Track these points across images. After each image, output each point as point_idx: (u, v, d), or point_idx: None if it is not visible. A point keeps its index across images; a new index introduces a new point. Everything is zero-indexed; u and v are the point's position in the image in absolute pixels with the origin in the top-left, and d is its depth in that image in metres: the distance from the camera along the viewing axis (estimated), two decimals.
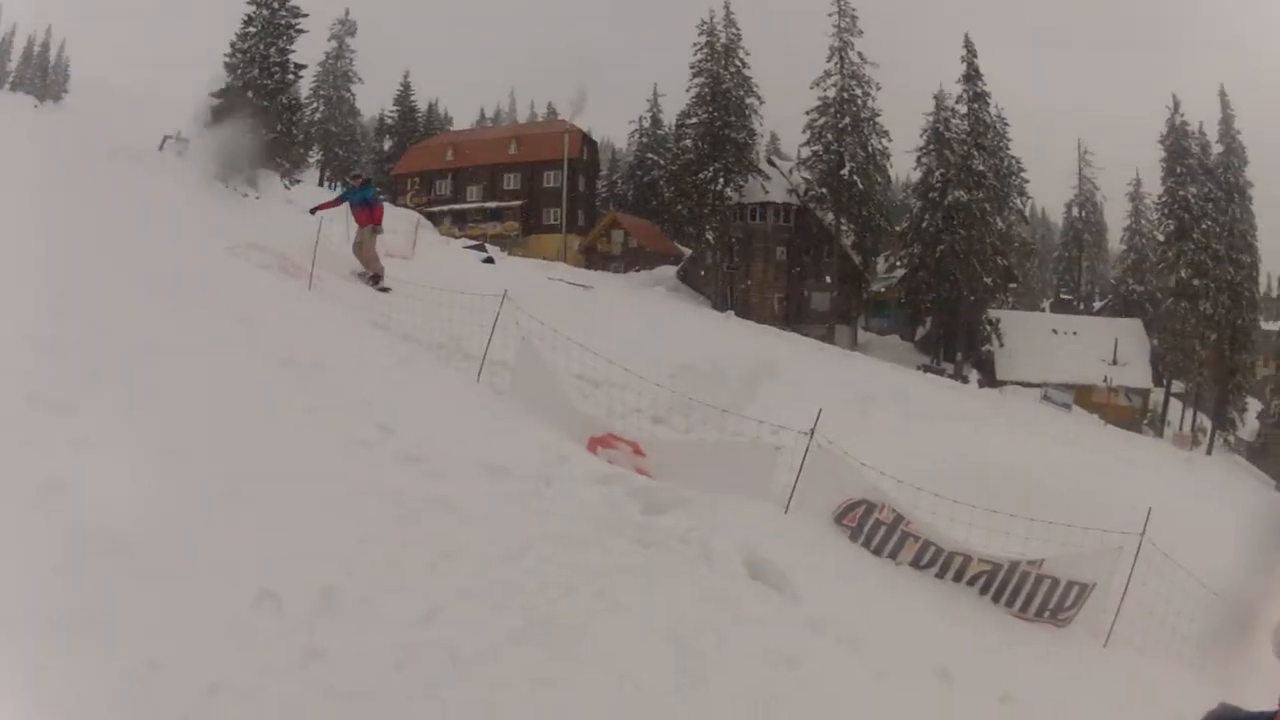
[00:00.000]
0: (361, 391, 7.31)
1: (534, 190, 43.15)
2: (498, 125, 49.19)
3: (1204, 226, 37.79)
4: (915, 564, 7.60)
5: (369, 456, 5.96)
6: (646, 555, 5.72)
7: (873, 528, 7.71)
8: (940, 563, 7.55)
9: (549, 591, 4.85)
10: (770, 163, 40.67)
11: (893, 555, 7.65)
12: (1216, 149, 39.51)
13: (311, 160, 43.11)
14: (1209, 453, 38.62)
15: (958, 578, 7.51)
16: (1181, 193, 38.25)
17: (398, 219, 28.75)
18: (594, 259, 41.46)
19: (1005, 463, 10.81)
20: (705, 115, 39.57)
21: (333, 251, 12.98)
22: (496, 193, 43.55)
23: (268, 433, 5.69)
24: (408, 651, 3.93)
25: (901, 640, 5.94)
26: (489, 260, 25.47)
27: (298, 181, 35.46)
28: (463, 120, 49.03)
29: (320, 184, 42.12)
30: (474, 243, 33.64)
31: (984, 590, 7.47)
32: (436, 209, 42.38)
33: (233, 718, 3.26)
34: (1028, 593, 7.44)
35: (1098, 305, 50.12)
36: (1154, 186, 41.16)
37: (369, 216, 14.28)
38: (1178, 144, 38.99)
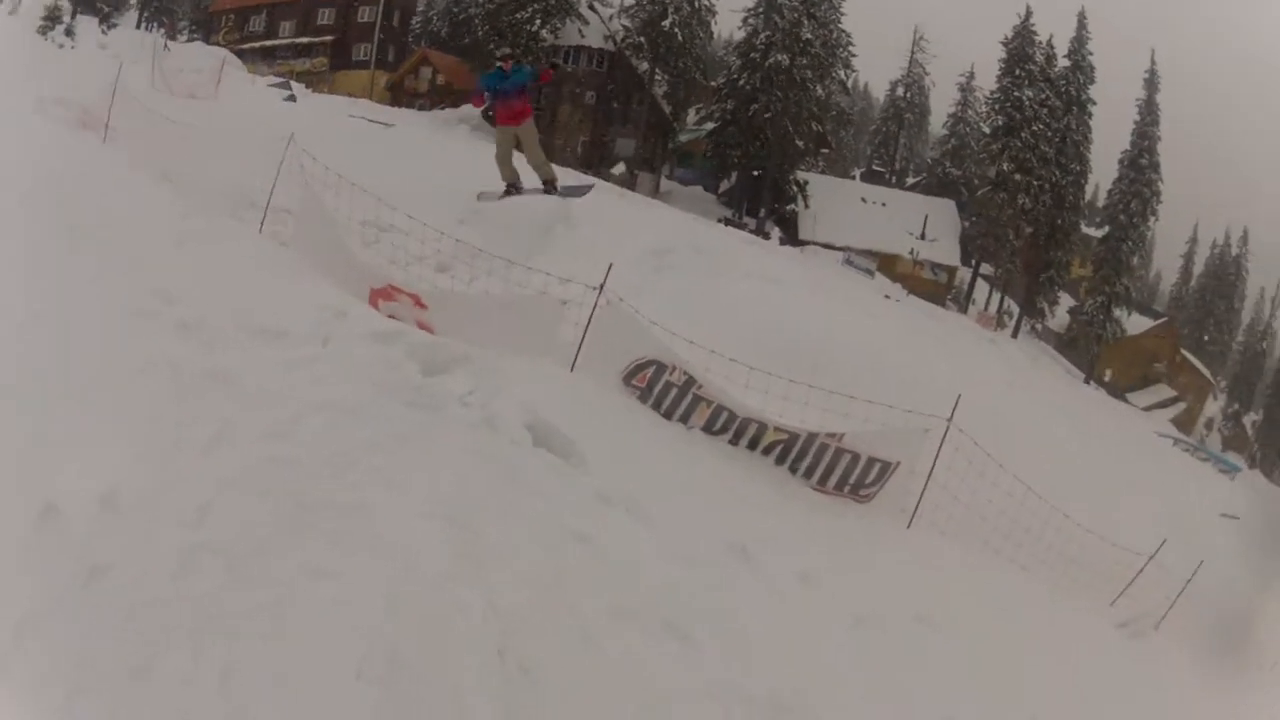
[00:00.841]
0: (141, 253, 6.69)
1: (347, 25, 41.22)
2: None
3: (1035, 128, 39.93)
4: (708, 429, 7.45)
5: (147, 329, 5.48)
6: (426, 421, 5.34)
7: (663, 390, 7.50)
8: (734, 429, 7.42)
9: (321, 471, 4.44)
10: (591, 8, 40.16)
11: (684, 419, 7.47)
12: (1063, 63, 41.39)
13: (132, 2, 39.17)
14: (1014, 336, 41.55)
15: (752, 446, 7.40)
16: (1017, 93, 40.33)
17: (202, 57, 26.58)
18: (400, 96, 40.29)
19: (806, 330, 10.84)
20: None
21: (132, 98, 11.78)
22: (310, 28, 41.37)
23: (41, 310, 5.09)
24: (183, 558, 3.62)
25: (696, 514, 5.84)
26: (291, 99, 23.83)
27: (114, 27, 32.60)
28: None
29: (139, 26, 38.97)
30: (279, 80, 31.37)
31: (780, 460, 7.38)
32: (248, 46, 40.14)
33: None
34: (827, 465, 7.37)
35: (910, 181, 52.10)
36: (989, 84, 43.09)
37: (520, 111, 12.25)
38: (1021, 49, 40.74)
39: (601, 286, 7.47)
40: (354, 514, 4.17)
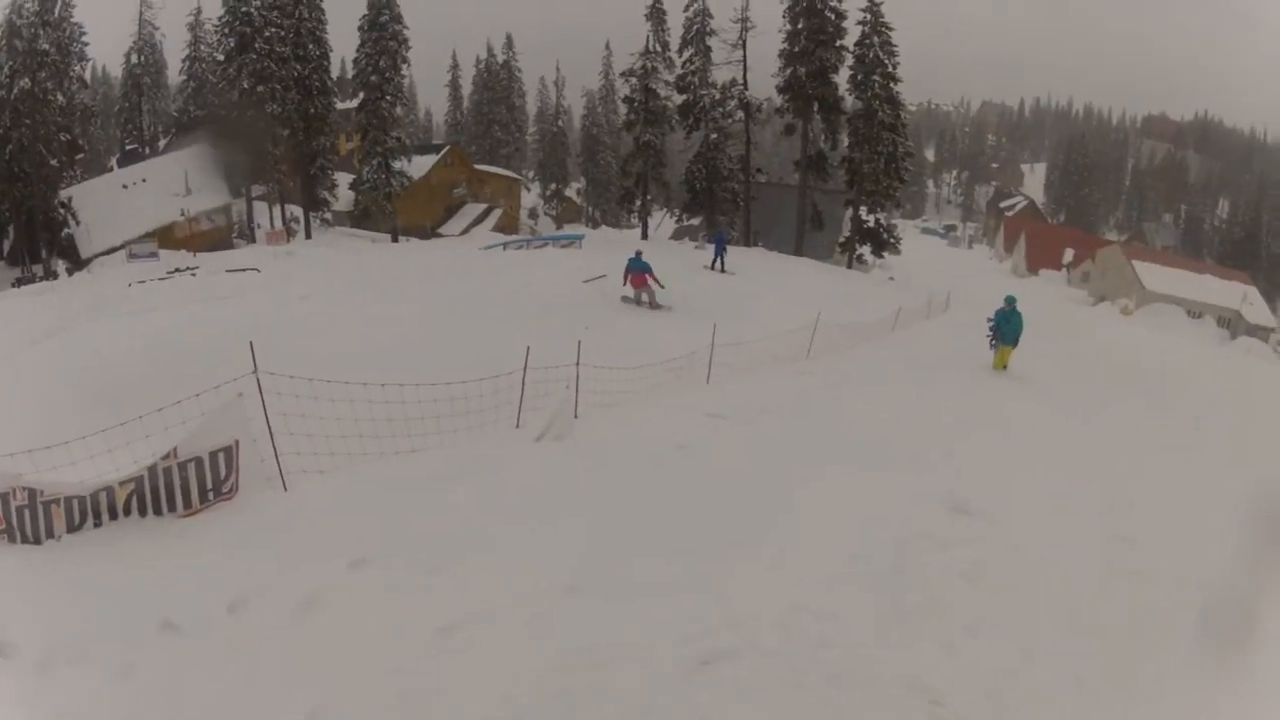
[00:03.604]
0: None
1: None
2: None
3: (267, 34, 39.16)
4: (72, 529, 6.99)
5: None
6: None
7: (19, 517, 6.88)
8: (90, 511, 7.03)
9: None
10: None
11: (50, 534, 6.95)
12: None
13: None
14: (308, 236, 41.96)
15: (113, 514, 7.09)
16: (244, 9, 39.13)
17: None
18: None
19: (102, 366, 10.44)
20: None
21: None
22: None
23: None
24: None
25: (113, 621, 5.65)
26: None
27: None
28: None
29: None
30: None
31: (142, 511, 7.16)
32: None
33: None
34: (182, 486, 7.29)
35: (163, 144, 49.44)
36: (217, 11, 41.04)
37: None
38: None
39: None
40: None
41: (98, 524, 7.07)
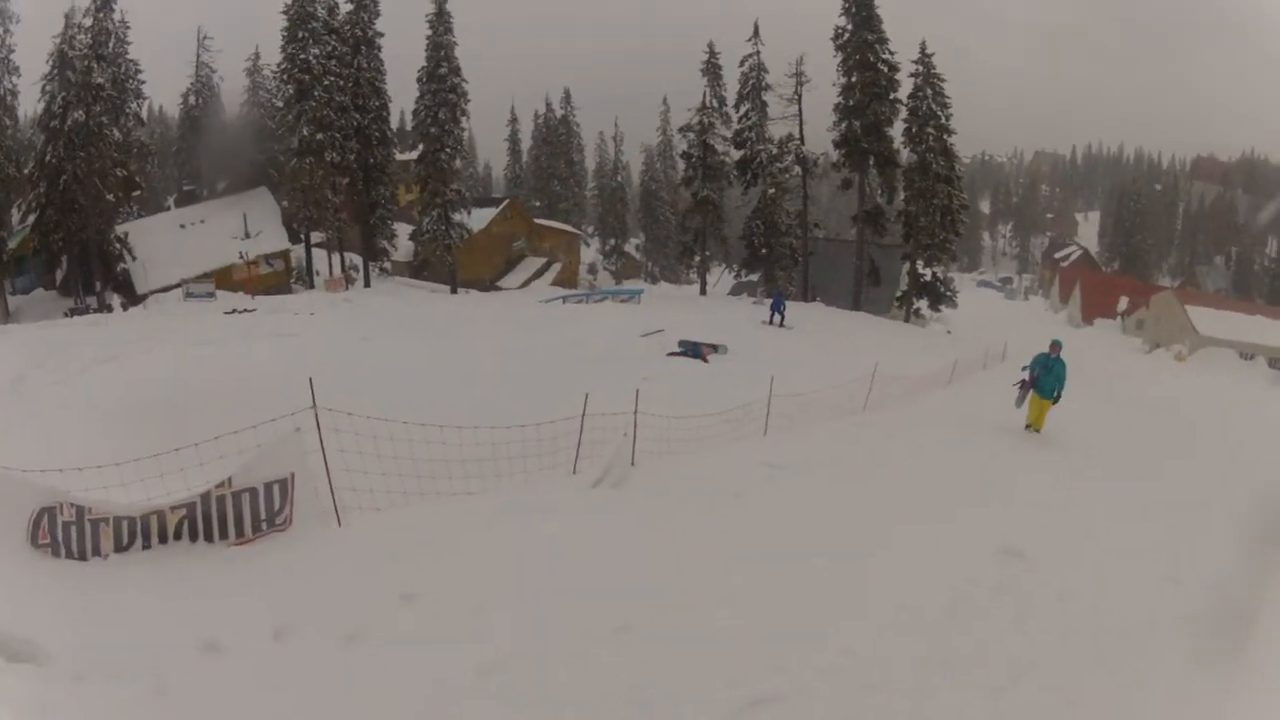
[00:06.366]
0: None
1: None
2: None
3: (326, 83, 39.65)
4: (120, 549, 6.96)
5: None
6: None
7: (65, 533, 6.85)
8: (140, 533, 7.00)
9: None
10: None
11: (97, 552, 6.90)
12: (346, 8, 41.67)
13: None
14: (367, 285, 42.57)
15: (163, 538, 7.06)
16: (303, 56, 39.46)
17: None
18: None
19: (156, 395, 10.60)
20: None
21: None
22: None
23: None
24: None
25: (154, 642, 5.61)
26: None
27: None
28: None
29: None
30: None
31: (193, 536, 7.13)
32: None
33: None
34: (234, 515, 7.25)
35: (221, 187, 50.46)
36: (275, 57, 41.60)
37: None
38: (302, 10, 39.86)
39: None
40: None
41: (146, 546, 7.05)
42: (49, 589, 6.40)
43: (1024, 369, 15.42)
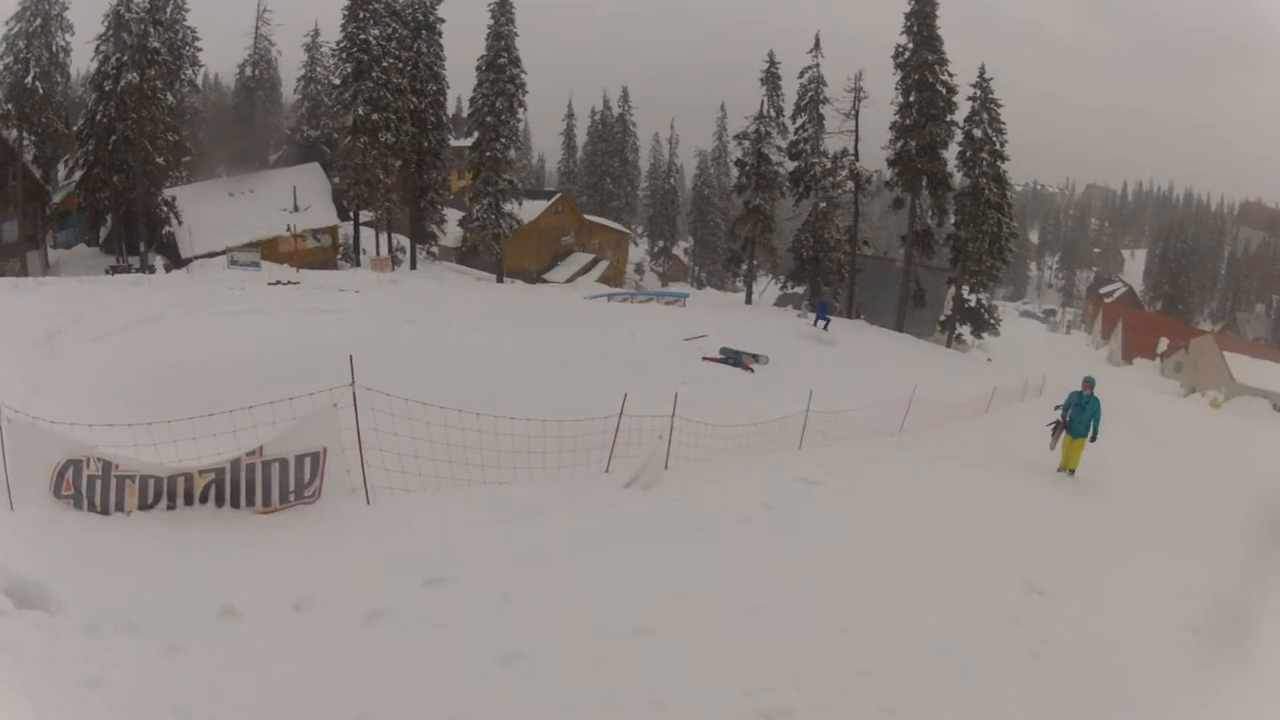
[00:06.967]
0: None
1: None
2: None
3: (385, 64, 40.01)
4: (144, 506, 7.02)
5: None
6: None
7: (89, 485, 6.93)
8: (166, 493, 7.05)
9: None
10: None
11: (120, 507, 6.97)
12: None
13: None
14: (413, 267, 42.80)
15: (189, 500, 7.10)
16: (363, 36, 39.89)
17: None
18: None
19: (194, 358, 10.65)
20: None
21: None
22: None
23: None
24: None
25: (170, 600, 5.62)
26: None
27: None
28: None
29: None
30: None
31: (219, 501, 7.15)
32: None
33: None
34: (263, 484, 7.27)
35: (273, 159, 50.94)
36: (334, 35, 42.25)
37: None
38: None
39: None
40: None
41: (171, 506, 7.09)
42: (66, 539, 6.46)
43: (1057, 408, 15.00)
